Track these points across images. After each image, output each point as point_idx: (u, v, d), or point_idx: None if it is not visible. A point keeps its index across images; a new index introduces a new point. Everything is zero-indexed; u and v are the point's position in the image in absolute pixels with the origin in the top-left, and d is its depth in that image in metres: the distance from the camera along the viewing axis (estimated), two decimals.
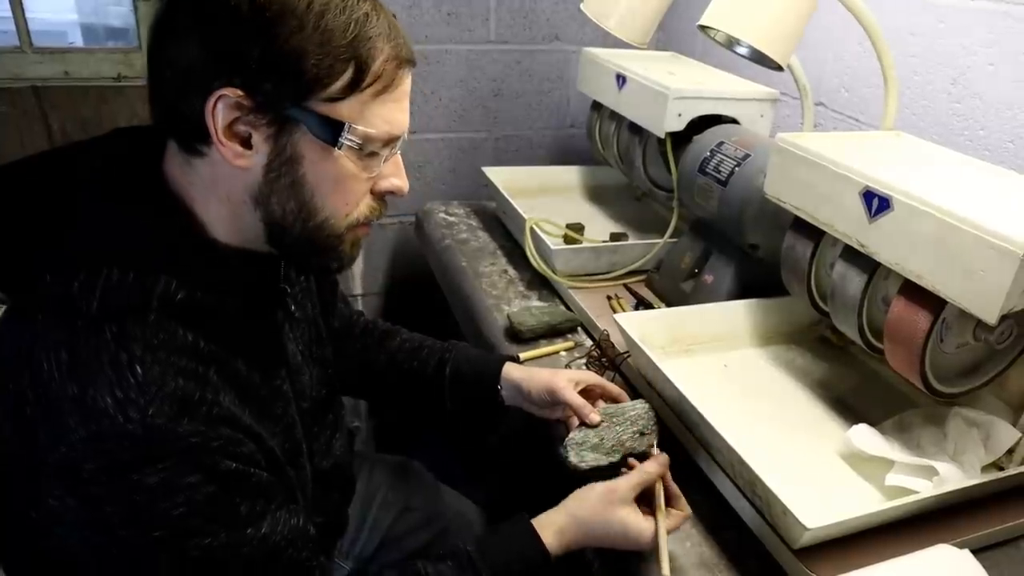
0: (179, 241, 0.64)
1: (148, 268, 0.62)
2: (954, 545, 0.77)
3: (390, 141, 0.67)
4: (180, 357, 0.61)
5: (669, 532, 0.78)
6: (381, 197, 0.71)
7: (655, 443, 0.93)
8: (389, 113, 0.65)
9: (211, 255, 0.66)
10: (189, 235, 0.66)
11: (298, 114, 0.61)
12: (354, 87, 0.62)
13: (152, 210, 0.64)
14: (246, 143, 0.62)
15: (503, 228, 1.58)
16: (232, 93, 0.59)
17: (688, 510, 0.81)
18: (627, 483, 0.80)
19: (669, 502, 0.82)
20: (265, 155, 0.63)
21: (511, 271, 1.41)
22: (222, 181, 0.65)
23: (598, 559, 0.86)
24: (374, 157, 0.67)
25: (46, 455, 0.57)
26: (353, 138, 0.63)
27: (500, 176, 1.58)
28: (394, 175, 0.70)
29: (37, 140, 1.60)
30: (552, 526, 0.80)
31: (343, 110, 0.62)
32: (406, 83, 0.67)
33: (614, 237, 1.43)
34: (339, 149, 0.63)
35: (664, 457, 0.84)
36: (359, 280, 1.93)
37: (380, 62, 0.63)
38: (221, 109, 0.60)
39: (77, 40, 2.10)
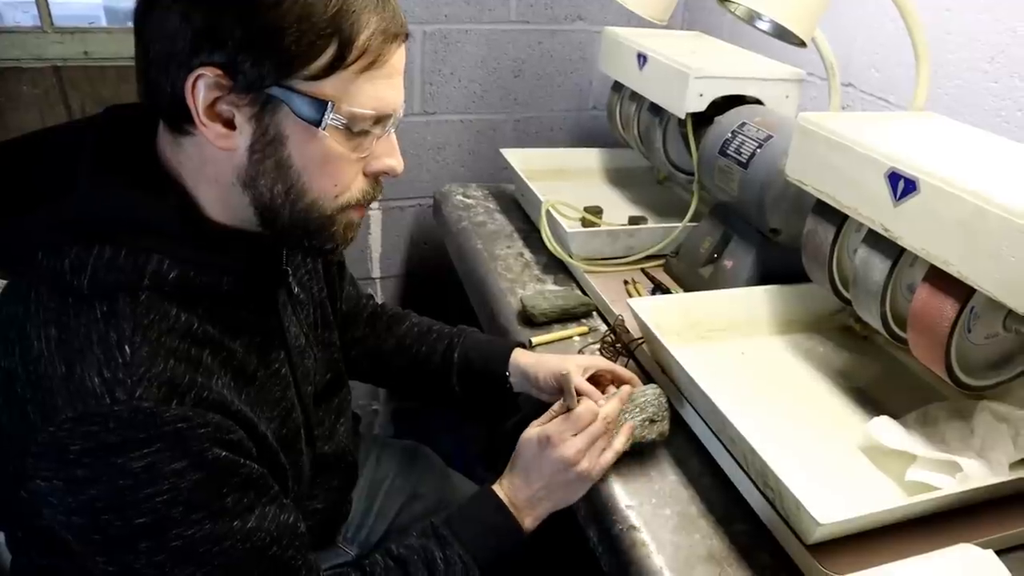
0: (171, 220, 0.63)
1: (140, 246, 0.61)
2: (978, 545, 0.74)
3: (380, 119, 0.64)
4: (171, 338, 0.60)
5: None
6: (375, 179, 0.68)
7: (667, 431, 0.90)
8: (377, 90, 0.62)
9: (204, 235, 0.65)
10: (181, 214, 0.64)
11: (280, 93, 0.59)
12: (338, 64, 0.59)
13: (144, 188, 0.63)
14: (229, 124, 0.60)
15: (521, 211, 1.55)
16: (211, 72, 0.57)
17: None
18: (557, 428, 0.83)
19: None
20: (249, 136, 0.61)
21: (527, 254, 1.39)
22: (209, 163, 0.63)
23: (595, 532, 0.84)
24: (364, 136, 0.64)
25: (35, 434, 0.56)
26: (338, 117, 0.60)
27: (519, 158, 1.55)
28: (387, 155, 0.67)
29: (58, 120, 1.56)
30: (502, 479, 0.85)
31: (327, 88, 0.60)
32: (396, 58, 0.63)
33: (633, 221, 1.39)
34: (323, 129, 0.60)
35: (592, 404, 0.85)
36: (377, 263, 1.92)
37: (366, 36, 0.60)
38: (201, 88, 0.58)
39: (103, 23, 2.11)
